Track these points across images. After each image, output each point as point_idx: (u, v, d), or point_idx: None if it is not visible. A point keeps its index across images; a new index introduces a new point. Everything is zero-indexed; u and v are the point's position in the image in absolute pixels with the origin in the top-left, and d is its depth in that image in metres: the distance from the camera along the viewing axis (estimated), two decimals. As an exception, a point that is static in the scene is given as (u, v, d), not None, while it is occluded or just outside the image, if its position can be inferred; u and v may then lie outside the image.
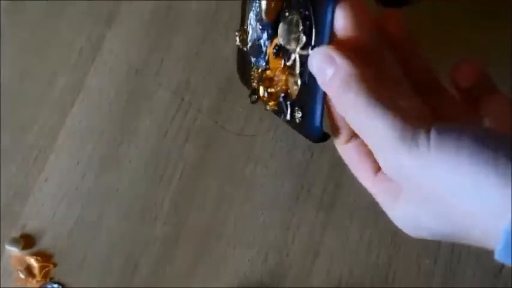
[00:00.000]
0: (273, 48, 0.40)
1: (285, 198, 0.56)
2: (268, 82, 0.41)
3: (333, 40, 0.34)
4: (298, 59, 0.37)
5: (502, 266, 0.53)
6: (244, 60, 0.47)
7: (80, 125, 0.59)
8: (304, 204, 0.56)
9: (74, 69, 0.60)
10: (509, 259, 0.29)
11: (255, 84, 0.44)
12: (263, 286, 0.53)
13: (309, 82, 0.36)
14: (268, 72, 0.42)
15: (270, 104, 0.41)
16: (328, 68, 0.34)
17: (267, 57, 0.42)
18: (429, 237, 0.35)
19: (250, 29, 0.44)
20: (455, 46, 0.38)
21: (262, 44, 0.43)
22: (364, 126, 0.33)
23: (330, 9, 0.34)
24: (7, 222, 0.55)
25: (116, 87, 0.60)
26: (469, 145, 0.30)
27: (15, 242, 0.54)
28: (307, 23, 0.36)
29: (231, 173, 0.57)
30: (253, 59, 0.45)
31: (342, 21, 0.34)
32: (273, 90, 0.41)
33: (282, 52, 0.40)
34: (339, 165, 0.55)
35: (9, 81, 0.60)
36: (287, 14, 0.38)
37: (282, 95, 0.40)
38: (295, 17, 0.37)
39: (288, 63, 0.39)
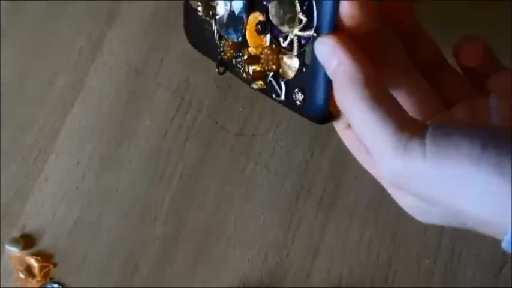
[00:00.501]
0: (256, 25, 0.38)
1: (285, 198, 0.56)
2: (254, 60, 0.39)
3: (338, 25, 0.33)
4: (296, 41, 0.36)
5: (502, 266, 0.53)
6: (201, 27, 0.44)
7: (80, 125, 0.59)
8: (304, 204, 0.55)
9: (74, 69, 0.60)
10: None
11: (227, 56, 0.42)
12: (263, 286, 0.53)
13: (313, 63, 0.35)
14: (251, 49, 0.40)
15: (257, 82, 0.39)
16: (334, 59, 0.33)
17: (243, 31, 0.40)
18: (440, 224, 0.34)
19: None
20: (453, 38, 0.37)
21: (237, 17, 0.40)
22: (361, 127, 0.33)
23: None
24: (7, 222, 0.55)
25: (116, 87, 0.60)
26: (467, 147, 0.30)
27: (15, 242, 0.54)
28: (306, 2, 0.34)
29: (231, 173, 0.57)
30: (221, 30, 0.42)
31: (347, 7, 0.33)
32: (259, 68, 0.39)
33: (266, 29, 0.38)
34: (339, 165, 0.56)
35: (9, 81, 0.60)
36: None
37: (271, 73, 0.38)
38: None
39: (284, 44, 0.37)
